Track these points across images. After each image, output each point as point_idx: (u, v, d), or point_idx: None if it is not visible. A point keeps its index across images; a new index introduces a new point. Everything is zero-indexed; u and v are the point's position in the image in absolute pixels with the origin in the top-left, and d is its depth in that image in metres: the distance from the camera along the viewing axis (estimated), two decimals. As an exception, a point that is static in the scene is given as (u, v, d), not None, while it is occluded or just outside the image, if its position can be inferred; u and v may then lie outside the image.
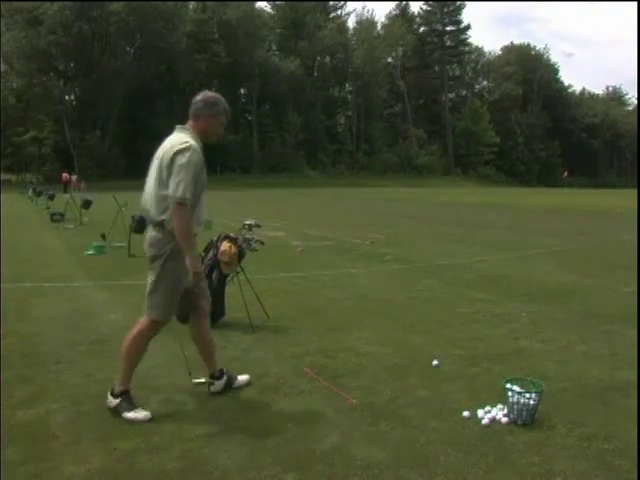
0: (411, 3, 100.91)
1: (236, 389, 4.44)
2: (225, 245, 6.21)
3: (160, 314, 4.09)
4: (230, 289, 6.45)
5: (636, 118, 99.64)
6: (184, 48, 68.53)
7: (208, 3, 72.58)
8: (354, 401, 4.18)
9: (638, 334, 5.68)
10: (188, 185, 3.86)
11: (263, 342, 5.68)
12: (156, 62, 67.88)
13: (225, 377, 4.48)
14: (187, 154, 3.89)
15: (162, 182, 3.95)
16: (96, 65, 64.51)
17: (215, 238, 6.46)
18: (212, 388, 4.44)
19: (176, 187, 3.85)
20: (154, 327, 4.12)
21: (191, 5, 74.24)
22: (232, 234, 6.39)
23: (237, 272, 6.41)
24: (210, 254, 6.39)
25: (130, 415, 3.97)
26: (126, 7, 61.70)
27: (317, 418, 3.93)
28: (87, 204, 18.57)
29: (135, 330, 4.12)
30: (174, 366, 4.94)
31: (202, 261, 6.46)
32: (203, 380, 4.49)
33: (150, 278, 4.08)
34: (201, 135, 4.14)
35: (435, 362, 5.01)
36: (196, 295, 4.28)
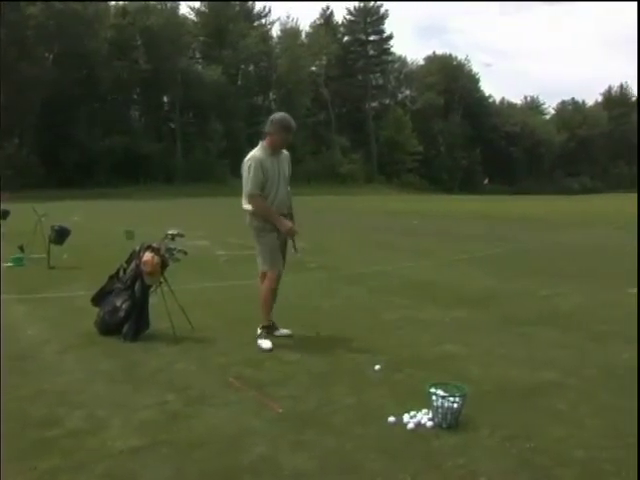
0: (335, 12, 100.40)
1: (162, 402, 4.36)
2: (147, 255, 6.11)
3: (269, 267, 5.94)
4: (153, 300, 6.33)
5: (555, 127, 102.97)
6: (105, 54, 67.07)
7: (129, 9, 71.09)
8: (280, 410, 4.18)
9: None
10: (254, 185, 5.75)
11: (188, 353, 5.61)
12: (76, 68, 66.08)
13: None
14: (247, 165, 5.79)
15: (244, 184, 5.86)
16: (13, 70, 62.35)
17: (137, 248, 6.35)
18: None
19: (245, 186, 5.84)
20: (271, 278, 5.97)
21: (112, 10, 72.49)
22: (155, 244, 6.29)
23: (160, 282, 6.31)
24: (132, 264, 6.27)
25: (260, 342, 5.77)
26: (45, 10, 60.00)
27: (244, 429, 3.89)
28: (4, 214, 17.97)
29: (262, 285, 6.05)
30: (95, 380, 4.84)
31: (124, 272, 6.36)
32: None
33: (255, 246, 6.01)
34: (270, 147, 5.83)
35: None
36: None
